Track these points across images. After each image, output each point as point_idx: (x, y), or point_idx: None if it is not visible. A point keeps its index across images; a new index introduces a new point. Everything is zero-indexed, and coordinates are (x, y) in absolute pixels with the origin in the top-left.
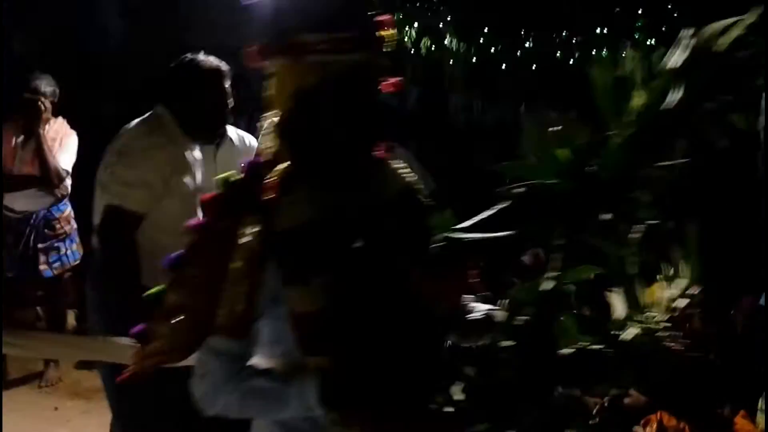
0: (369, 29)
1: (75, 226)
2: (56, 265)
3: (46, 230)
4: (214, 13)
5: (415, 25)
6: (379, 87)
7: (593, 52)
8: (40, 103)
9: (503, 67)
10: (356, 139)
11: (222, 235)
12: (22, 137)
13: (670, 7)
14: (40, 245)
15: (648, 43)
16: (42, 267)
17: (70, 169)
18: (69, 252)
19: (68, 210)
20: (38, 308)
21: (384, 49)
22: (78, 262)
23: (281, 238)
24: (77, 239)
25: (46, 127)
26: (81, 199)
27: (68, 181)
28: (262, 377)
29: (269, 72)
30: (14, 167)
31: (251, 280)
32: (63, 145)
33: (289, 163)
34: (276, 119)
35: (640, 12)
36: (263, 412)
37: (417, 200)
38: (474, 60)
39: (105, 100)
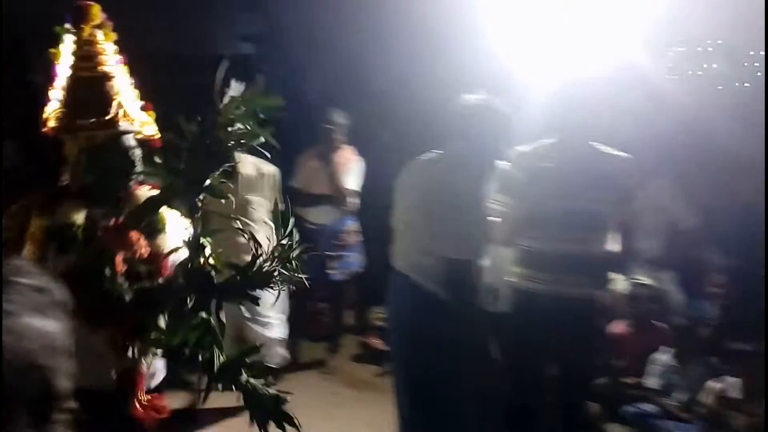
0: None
1: (359, 238)
2: (341, 270)
3: (334, 241)
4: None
5: None
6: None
7: None
8: (334, 133)
9: None
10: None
11: None
12: (319, 162)
13: None
14: (329, 253)
15: None
16: (330, 271)
17: (355, 190)
18: (352, 261)
19: (353, 224)
20: (324, 304)
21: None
22: (360, 270)
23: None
24: (360, 250)
25: (338, 153)
26: (363, 215)
27: (354, 200)
28: None
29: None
30: (312, 186)
31: None
32: (350, 170)
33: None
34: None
35: None
36: None
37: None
38: None
39: (384, 130)
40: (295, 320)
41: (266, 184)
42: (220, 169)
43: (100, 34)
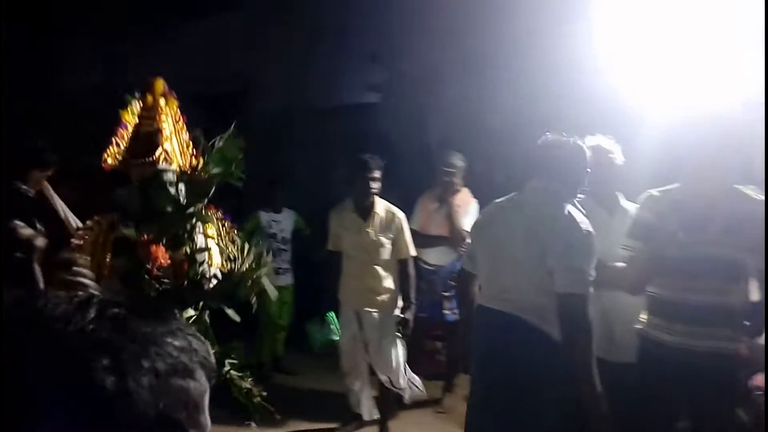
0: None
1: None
2: (455, 311)
3: (449, 281)
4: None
5: None
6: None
7: None
8: (453, 177)
9: None
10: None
11: None
12: (437, 204)
13: None
14: (444, 293)
15: None
16: (445, 311)
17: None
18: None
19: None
20: (438, 344)
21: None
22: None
23: None
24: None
25: (456, 195)
26: None
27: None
28: None
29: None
30: (430, 228)
31: None
32: (467, 212)
33: None
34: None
35: None
36: None
37: None
38: None
39: (498, 172)
40: (411, 359)
41: (395, 227)
42: (204, 200)
43: (162, 101)
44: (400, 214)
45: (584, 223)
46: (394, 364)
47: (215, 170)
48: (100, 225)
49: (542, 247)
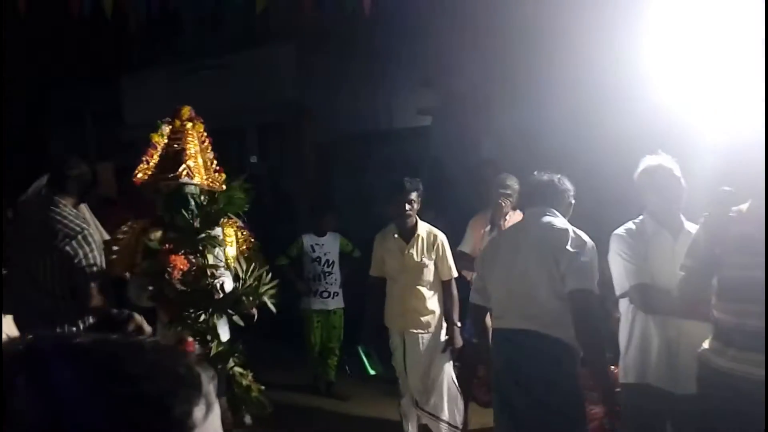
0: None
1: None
2: None
3: None
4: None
5: None
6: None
7: None
8: (507, 199)
9: None
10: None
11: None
12: (488, 227)
13: None
14: None
15: None
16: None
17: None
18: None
19: None
20: None
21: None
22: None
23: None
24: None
25: (507, 218)
26: None
27: None
28: None
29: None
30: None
31: None
32: None
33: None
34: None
35: None
36: None
37: None
38: None
39: None
40: (463, 384)
41: (437, 248)
42: (213, 228)
43: (189, 125)
44: (442, 236)
45: (587, 237)
46: (439, 389)
47: (224, 206)
48: (133, 229)
49: (554, 255)
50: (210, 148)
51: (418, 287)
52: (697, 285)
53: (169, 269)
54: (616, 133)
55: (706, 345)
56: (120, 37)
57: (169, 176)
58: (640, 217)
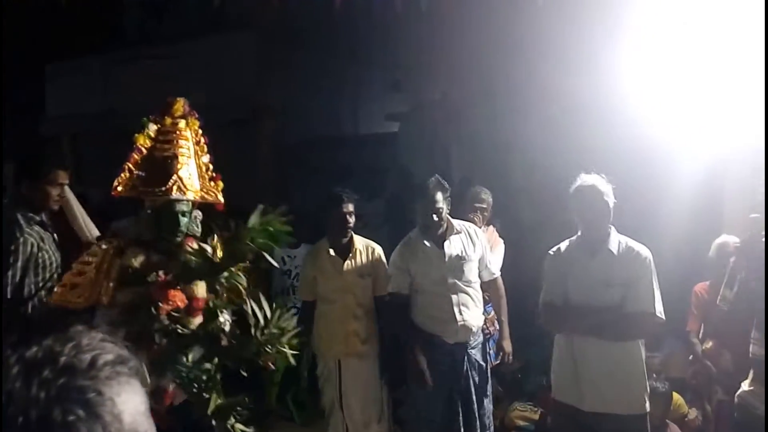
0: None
1: (497, 327)
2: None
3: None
4: None
5: None
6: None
7: None
8: (482, 213)
9: None
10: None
11: None
12: None
13: None
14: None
15: None
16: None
17: (497, 272)
18: (491, 352)
19: (493, 313)
20: None
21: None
22: (498, 362)
23: None
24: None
25: (483, 229)
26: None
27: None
28: None
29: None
30: None
31: None
32: (494, 250)
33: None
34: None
35: None
36: None
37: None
38: None
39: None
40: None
41: (375, 263)
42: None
43: (182, 123)
44: (379, 249)
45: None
46: (382, 421)
47: (261, 242)
48: (106, 251)
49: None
50: (206, 149)
51: (357, 308)
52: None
53: (161, 304)
54: (588, 144)
55: (745, 387)
56: (46, 18)
57: (156, 191)
58: (575, 236)
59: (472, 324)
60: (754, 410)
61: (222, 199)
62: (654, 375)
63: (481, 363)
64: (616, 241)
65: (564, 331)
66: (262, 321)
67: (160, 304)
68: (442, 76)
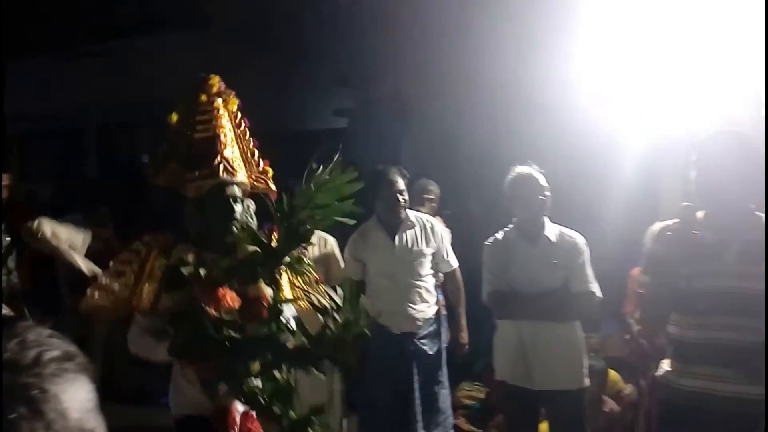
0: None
1: (444, 312)
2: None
3: None
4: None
5: None
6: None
7: None
8: (430, 204)
9: None
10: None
11: None
12: None
13: None
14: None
15: None
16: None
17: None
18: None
19: (440, 298)
20: None
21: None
22: (446, 345)
23: None
24: (446, 325)
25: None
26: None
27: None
28: None
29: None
30: None
31: None
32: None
33: None
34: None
35: None
36: None
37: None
38: None
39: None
40: None
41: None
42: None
43: (219, 101)
44: (331, 239)
45: None
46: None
47: (325, 214)
48: (149, 247)
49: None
50: (248, 133)
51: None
52: (657, 302)
53: (209, 307)
54: (537, 137)
55: (665, 366)
56: None
57: (200, 173)
58: (510, 226)
59: (418, 316)
60: (676, 385)
61: (274, 188)
62: (592, 354)
63: (430, 353)
64: (552, 229)
65: (515, 318)
66: (334, 306)
67: (210, 307)
68: (390, 71)
